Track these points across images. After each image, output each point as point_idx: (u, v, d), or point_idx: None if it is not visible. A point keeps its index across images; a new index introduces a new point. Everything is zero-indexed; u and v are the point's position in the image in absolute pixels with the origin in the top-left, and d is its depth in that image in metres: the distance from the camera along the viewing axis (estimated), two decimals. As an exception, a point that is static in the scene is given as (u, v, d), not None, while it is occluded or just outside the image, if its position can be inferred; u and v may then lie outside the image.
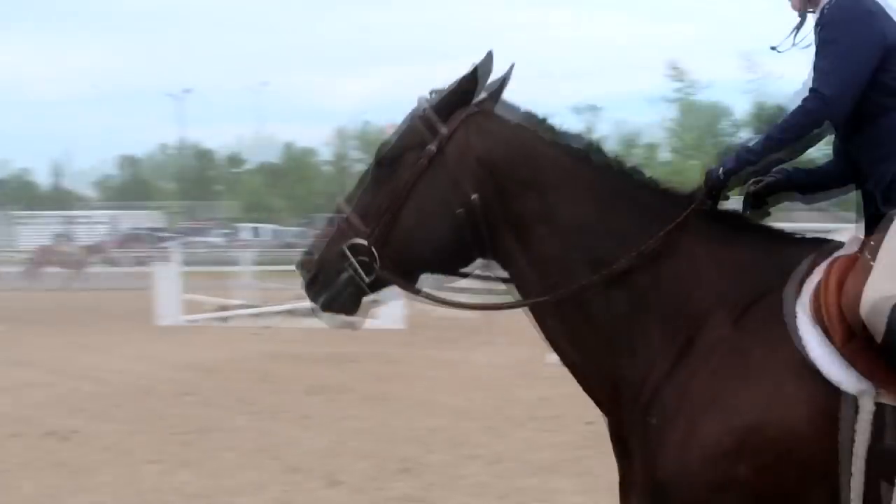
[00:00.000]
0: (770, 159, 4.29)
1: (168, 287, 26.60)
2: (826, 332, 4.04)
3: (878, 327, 3.95)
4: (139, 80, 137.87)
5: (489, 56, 4.29)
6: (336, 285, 4.29)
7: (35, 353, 19.44)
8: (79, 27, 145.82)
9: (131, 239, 61.64)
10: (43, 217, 68.90)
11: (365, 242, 4.24)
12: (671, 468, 4.07)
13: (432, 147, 4.22)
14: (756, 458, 3.99)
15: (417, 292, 4.35)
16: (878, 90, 4.25)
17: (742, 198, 4.50)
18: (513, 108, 4.34)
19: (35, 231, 61.96)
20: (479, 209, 4.20)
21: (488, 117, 4.28)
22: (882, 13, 4.26)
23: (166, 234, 60.72)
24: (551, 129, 4.34)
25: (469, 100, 4.28)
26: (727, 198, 4.37)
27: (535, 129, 4.31)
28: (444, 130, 4.23)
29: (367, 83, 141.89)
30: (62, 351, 19.28)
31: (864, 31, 4.19)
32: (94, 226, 64.93)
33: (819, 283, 4.11)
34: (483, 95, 4.31)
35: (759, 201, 4.51)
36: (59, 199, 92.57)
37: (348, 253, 4.24)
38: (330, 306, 4.33)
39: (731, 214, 4.42)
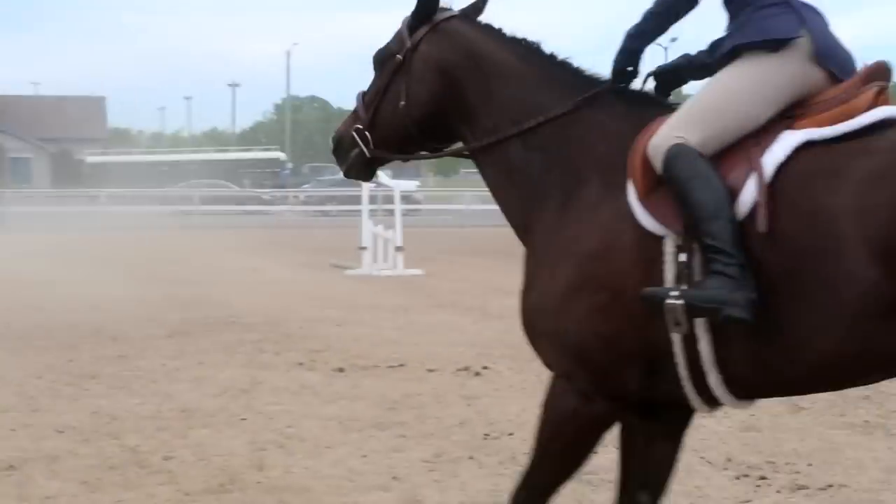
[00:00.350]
0: (646, 30, 4.64)
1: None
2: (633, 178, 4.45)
3: (658, 164, 4.36)
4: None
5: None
6: (350, 158, 5.25)
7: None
8: None
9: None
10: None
11: (361, 127, 5.17)
12: (533, 308, 4.68)
13: (400, 56, 5.06)
14: (595, 298, 4.42)
15: (405, 159, 5.42)
16: None
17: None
18: (477, 23, 5.05)
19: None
20: (436, 103, 4.99)
21: (443, 31, 5.01)
22: None
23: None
24: (499, 33, 5.00)
25: (430, 17, 5.03)
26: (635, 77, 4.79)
27: (483, 35, 4.99)
28: (408, 43, 5.05)
29: (859, 24, 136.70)
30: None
31: None
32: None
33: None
34: (449, 13, 5.08)
35: (665, 86, 4.88)
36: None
37: (355, 135, 5.18)
38: (348, 174, 5.34)
39: (639, 94, 4.83)
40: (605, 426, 4.67)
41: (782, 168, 4.21)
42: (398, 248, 23.09)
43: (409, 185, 51.23)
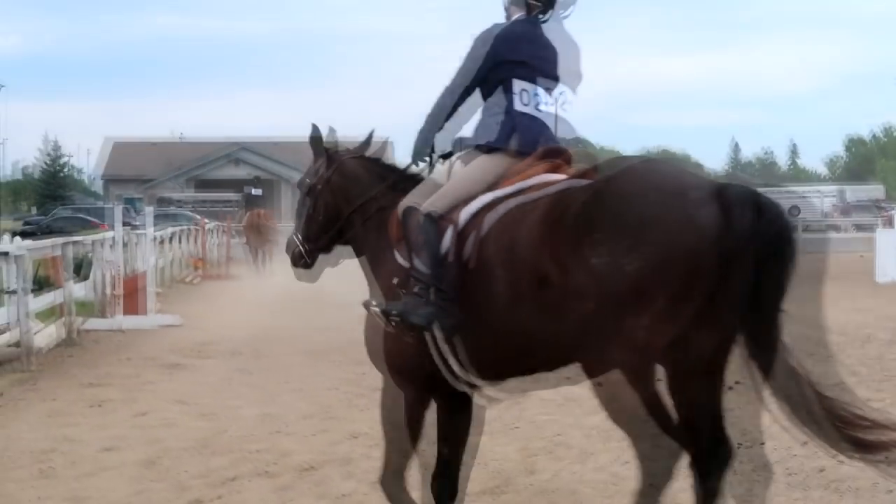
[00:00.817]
0: (429, 129, 5.96)
1: (889, 249, 25.74)
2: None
3: (399, 218, 5.79)
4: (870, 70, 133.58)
5: (315, 127, 6.56)
6: (294, 254, 6.56)
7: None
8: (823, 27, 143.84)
9: (855, 209, 60.39)
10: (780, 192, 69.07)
11: (295, 231, 6.59)
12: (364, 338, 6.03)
13: (308, 181, 6.54)
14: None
15: (327, 251, 6.52)
16: (489, 84, 5.90)
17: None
18: (352, 154, 6.51)
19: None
20: (333, 212, 6.38)
21: (332, 161, 6.46)
22: (514, 36, 5.82)
23: (886, 205, 58.83)
24: (363, 158, 6.46)
25: (321, 154, 6.53)
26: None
27: (352, 161, 6.44)
28: (313, 170, 6.55)
29: None
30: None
31: (479, 49, 5.83)
32: (824, 199, 63.93)
33: None
34: (337, 151, 6.53)
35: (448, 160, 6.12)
36: (797, 176, 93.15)
37: (294, 238, 6.55)
38: (294, 264, 6.58)
39: (416, 176, 6.17)
40: (421, 406, 5.95)
41: (472, 217, 5.53)
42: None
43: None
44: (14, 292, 13.51)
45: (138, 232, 21.60)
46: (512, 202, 5.44)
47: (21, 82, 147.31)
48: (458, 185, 5.76)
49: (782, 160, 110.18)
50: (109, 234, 19.33)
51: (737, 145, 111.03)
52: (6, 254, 13.80)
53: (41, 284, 15.97)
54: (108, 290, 17.67)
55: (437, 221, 5.59)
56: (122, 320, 17.08)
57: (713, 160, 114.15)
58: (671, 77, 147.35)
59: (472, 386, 5.71)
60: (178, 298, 22.13)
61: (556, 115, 5.98)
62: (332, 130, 6.67)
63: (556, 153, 5.76)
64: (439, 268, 5.47)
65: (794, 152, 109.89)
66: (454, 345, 5.51)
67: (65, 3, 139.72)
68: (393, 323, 5.55)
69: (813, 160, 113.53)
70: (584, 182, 5.17)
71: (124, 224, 20.47)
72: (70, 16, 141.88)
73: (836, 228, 50.62)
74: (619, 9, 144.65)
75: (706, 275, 4.74)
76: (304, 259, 6.50)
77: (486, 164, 5.78)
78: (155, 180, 73.28)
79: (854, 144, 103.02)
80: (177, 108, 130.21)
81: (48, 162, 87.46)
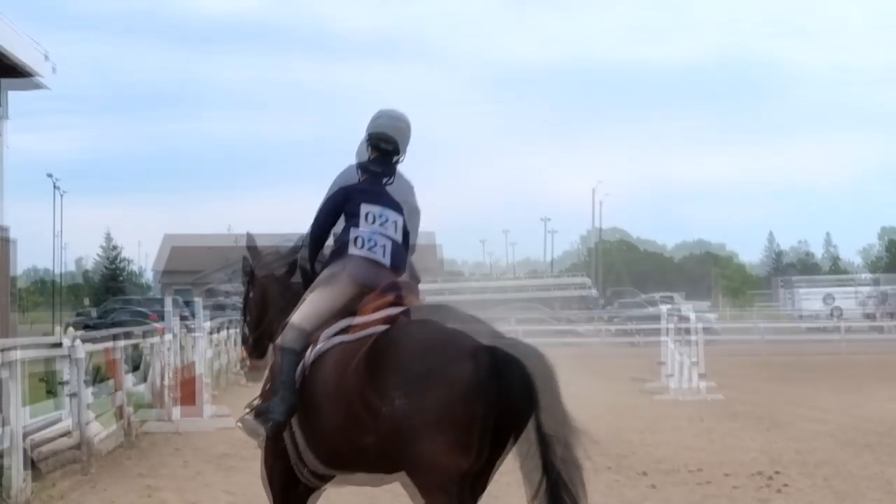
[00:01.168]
0: (309, 267, 7.14)
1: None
2: None
3: None
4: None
5: (245, 257, 7.65)
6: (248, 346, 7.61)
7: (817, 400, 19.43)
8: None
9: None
10: (818, 282, 68.44)
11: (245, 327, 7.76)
12: None
13: (242, 300, 7.83)
14: None
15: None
16: (334, 232, 7.02)
17: None
18: (272, 275, 7.43)
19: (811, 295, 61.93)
20: (257, 317, 7.48)
21: (256, 281, 7.51)
22: (350, 194, 6.83)
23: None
24: (280, 280, 7.36)
25: (249, 271, 7.62)
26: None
27: (269, 281, 7.42)
28: (244, 288, 7.78)
29: None
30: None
31: (329, 196, 6.92)
32: (867, 300, 63.07)
33: None
34: (264, 271, 7.50)
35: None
36: (833, 268, 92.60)
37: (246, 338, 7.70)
38: (250, 356, 7.55)
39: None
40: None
41: (317, 357, 6.46)
42: (701, 376, 22.45)
43: (709, 317, 50.16)
44: (75, 395, 13.63)
45: (195, 335, 21.74)
46: (342, 351, 6.43)
47: (82, 185, 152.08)
48: (311, 309, 6.76)
49: (817, 250, 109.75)
50: (167, 336, 19.50)
51: (772, 236, 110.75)
52: (67, 357, 13.95)
53: (100, 385, 16.11)
54: (166, 393, 17.79)
55: (294, 353, 6.61)
56: (179, 422, 17.18)
57: (750, 252, 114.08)
58: (710, 173, 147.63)
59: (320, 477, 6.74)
60: (233, 399, 22.24)
61: (400, 251, 6.91)
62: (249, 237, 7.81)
63: (389, 289, 6.68)
64: (290, 393, 6.52)
65: (827, 241, 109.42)
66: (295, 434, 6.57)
67: (125, 114, 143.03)
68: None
69: (848, 252, 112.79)
70: (387, 340, 6.20)
71: (181, 324, 20.63)
72: (129, 122, 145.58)
73: (880, 330, 49.99)
74: (665, 111, 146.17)
75: (476, 428, 5.82)
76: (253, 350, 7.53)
77: (324, 297, 6.76)
78: (211, 284, 73.64)
79: (889, 234, 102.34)
80: (231, 207, 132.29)
81: (107, 266, 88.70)
